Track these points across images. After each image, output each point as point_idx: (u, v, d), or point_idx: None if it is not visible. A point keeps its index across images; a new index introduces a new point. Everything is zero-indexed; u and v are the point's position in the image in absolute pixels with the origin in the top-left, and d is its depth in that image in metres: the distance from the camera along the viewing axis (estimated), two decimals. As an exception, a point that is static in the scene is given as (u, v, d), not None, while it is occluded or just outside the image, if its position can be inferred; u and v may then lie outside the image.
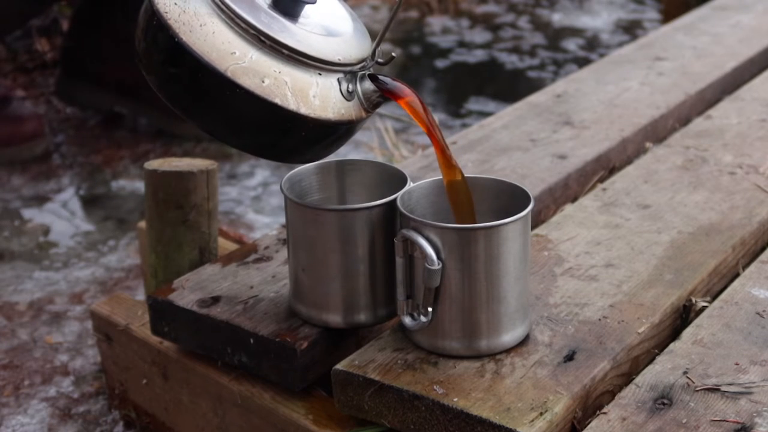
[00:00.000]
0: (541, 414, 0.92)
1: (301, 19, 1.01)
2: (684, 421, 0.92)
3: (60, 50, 2.51)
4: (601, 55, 2.80)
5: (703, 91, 1.73)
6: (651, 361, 1.02)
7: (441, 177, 1.06)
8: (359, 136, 2.35)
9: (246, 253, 1.24)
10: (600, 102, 1.66)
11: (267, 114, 0.96)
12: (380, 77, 1.02)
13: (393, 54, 1.03)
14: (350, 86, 1.00)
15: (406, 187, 1.05)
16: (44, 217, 1.99)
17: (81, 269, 1.78)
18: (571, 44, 3.04)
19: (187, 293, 1.15)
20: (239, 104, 0.96)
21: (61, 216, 2.00)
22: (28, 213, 2.01)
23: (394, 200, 1.03)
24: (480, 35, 3.13)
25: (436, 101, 2.68)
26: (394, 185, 1.07)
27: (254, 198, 2.06)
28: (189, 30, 0.96)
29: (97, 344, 1.35)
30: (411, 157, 1.73)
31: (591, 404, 0.98)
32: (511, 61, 2.90)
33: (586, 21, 3.28)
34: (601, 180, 1.45)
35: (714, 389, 0.95)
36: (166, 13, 0.97)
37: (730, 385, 0.96)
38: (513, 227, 0.98)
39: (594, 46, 3.04)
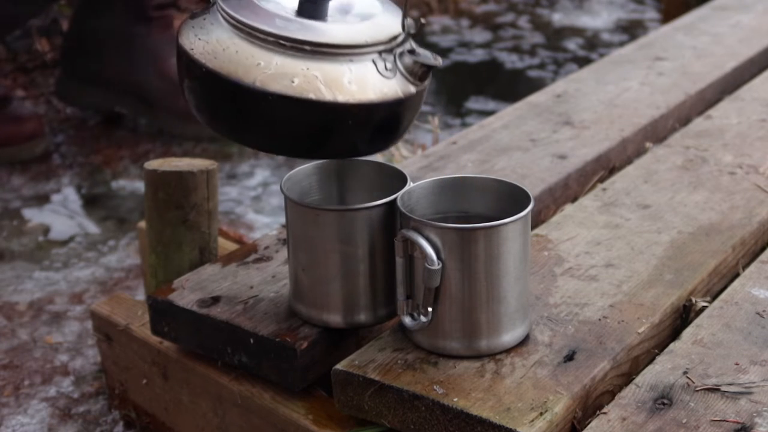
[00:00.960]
0: (541, 414, 0.92)
1: (330, 17, 1.01)
2: (684, 421, 0.92)
3: (60, 50, 2.51)
4: (601, 55, 2.79)
5: (703, 91, 1.73)
6: (651, 361, 1.02)
7: (440, 177, 1.07)
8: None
9: (246, 253, 1.24)
10: (600, 102, 1.66)
11: (305, 112, 0.96)
12: (417, 49, 1.01)
13: (422, 20, 1.02)
14: (387, 64, 0.99)
15: (406, 187, 1.05)
16: (44, 217, 1.99)
17: (81, 269, 1.78)
18: (571, 44, 3.04)
19: (187, 293, 1.15)
20: (276, 111, 0.96)
21: (61, 216, 2.00)
22: (28, 213, 2.01)
23: (394, 200, 1.03)
24: (480, 35, 3.12)
25: (436, 101, 2.67)
26: (394, 185, 1.07)
27: (254, 198, 2.06)
28: (214, 57, 0.97)
29: (97, 344, 1.35)
30: (411, 157, 1.73)
31: (591, 404, 0.98)
32: (511, 60, 2.90)
33: (586, 21, 3.28)
34: (601, 180, 1.45)
35: (714, 389, 0.95)
36: (192, 50, 0.99)
37: (730, 385, 0.96)
38: (513, 227, 0.98)
39: (594, 45, 3.04)
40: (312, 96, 0.95)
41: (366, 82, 0.97)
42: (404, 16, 1.02)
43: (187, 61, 0.99)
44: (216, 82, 0.97)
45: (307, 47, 0.97)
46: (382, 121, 1.01)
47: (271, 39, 0.97)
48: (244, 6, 0.99)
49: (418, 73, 1.01)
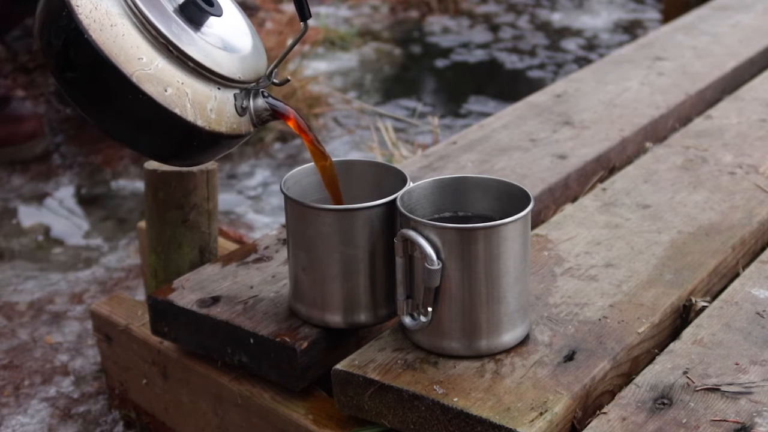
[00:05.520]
0: (541, 414, 0.92)
1: (204, 29, 1.03)
2: (684, 421, 0.92)
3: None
4: (601, 55, 2.80)
5: (703, 91, 1.73)
6: (651, 361, 1.02)
7: (440, 177, 1.08)
8: (359, 135, 2.34)
9: (246, 253, 1.24)
10: (600, 102, 1.66)
11: (166, 122, 0.99)
12: (271, 98, 1.06)
13: (288, 78, 1.08)
14: (244, 102, 1.04)
15: (406, 187, 1.05)
16: (44, 217, 1.99)
17: (81, 269, 1.78)
18: (571, 44, 3.04)
19: (187, 293, 1.15)
20: (140, 109, 0.98)
21: (61, 216, 2.00)
22: (27, 213, 2.01)
23: (394, 200, 1.03)
24: (480, 35, 3.13)
25: (436, 101, 2.68)
26: (394, 185, 1.07)
27: (254, 198, 2.06)
28: (99, 28, 0.96)
29: (97, 344, 1.35)
30: (411, 157, 1.73)
31: (591, 404, 0.98)
32: (511, 60, 2.90)
33: (585, 21, 3.29)
34: (601, 180, 1.45)
35: (714, 389, 0.95)
36: (78, 6, 0.97)
37: (730, 385, 0.96)
38: (513, 227, 0.98)
39: (594, 45, 3.04)
40: (177, 111, 0.98)
41: (223, 114, 1.02)
42: (277, 65, 1.07)
43: (67, 15, 0.97)
44: (94, 55, 0.96)
45: (190, 63, 0.99)
46: (216, 149, 1.05)
47: (162, 40, 0.98)
48: None
49: (264, 118, 1.06)
